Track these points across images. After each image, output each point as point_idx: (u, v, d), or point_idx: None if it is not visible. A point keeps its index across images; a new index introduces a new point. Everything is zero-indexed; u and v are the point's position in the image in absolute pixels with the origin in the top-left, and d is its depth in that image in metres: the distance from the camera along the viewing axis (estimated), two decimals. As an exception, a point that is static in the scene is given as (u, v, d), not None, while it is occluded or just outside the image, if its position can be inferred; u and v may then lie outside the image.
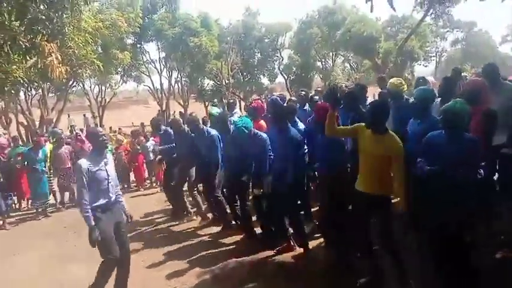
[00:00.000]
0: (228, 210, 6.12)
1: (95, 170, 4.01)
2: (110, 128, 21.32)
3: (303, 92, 7.23)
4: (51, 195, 9.18)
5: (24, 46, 8.20)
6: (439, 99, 4.64)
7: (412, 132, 4.26)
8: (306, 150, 5.21)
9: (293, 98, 7.32)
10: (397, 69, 23.09)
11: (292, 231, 5.05)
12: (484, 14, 72.78)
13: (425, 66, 36.22)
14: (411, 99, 4.90)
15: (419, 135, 3.88)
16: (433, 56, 37.43)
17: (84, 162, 4.01)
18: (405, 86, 5.40)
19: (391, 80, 5.37)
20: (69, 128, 23.11)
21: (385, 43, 24.91)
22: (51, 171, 9.19)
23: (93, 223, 3.93)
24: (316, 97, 6.82)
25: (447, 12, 25.22)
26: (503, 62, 31.55)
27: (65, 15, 8.65)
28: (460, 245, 3.42)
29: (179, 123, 6.95)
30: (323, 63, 32.82)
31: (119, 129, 17.94)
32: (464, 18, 36.14)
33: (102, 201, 4.06)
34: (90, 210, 3.95)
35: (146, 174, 11.19)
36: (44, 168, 8.70)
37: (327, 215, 4.75)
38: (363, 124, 3.79)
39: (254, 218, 5.78)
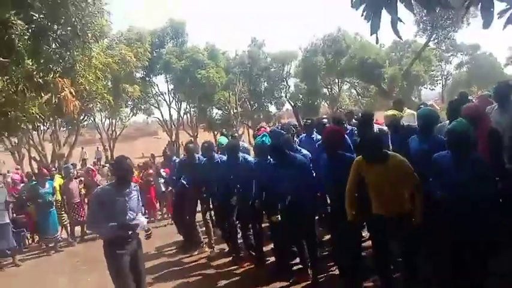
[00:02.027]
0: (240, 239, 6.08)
1: (113, 200, 3.86)
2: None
3: (309, 121, 7.26)
4: (63, 229, 9.19)
5: (38, 83, 8.45)
6: (448, 121, 4.67)
7: (414, 150, 4.27)
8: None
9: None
10: (403, 94, 23.19)
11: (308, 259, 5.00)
12: (487, 36, 73.20)
13: (432, 89, 36.31)
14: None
15: (422, 155, 3.93)
16: (439, 80, 37.56)
17: (99, 190, 4.00)
18: (399, 114, 5.47)
19: (386, 114, 5.42)
20: (81, 162, 23.33)
21: (390, 68, 25.13)
22: (63, 205, 9.22)
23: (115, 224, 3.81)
24: (325, 121, 6.88)
25: (450, 37, 25.46)
26: (509, 83, 31.39)
27: (76, 53, 8.94)
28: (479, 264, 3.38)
29: (211, 150, 6.48)
30: (329, 89, 33.09)
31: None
32: (468, 41, 36.29)
33: (119, 233, 3.88)
34: (105, 226, 3.82)
35: (158, 206, 11.22)
36: (51, 200, 8.61)
37: (340, 242, 4.70)
38: (357, 158, 3.87)
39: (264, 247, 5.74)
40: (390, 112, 5.38)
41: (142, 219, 4.25)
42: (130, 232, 3.94)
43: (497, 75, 31.90)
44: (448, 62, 37.64)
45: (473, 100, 6.99)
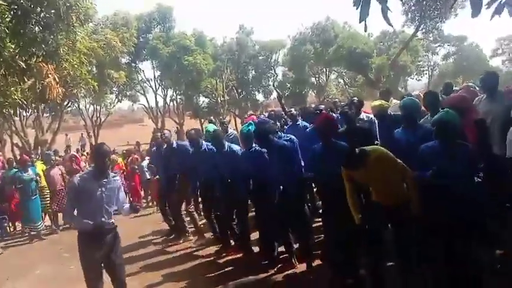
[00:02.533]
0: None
1: (90, 189, 3.72)
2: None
3: (294, 110, 7.36)
4: (47, 216, 9.07)
5: (20, 68, 8.22)
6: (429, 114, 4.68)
7: (400, 141, 4.26)
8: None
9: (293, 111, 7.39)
10: (390, 84, 23.32)
11: (296, 246, 5.00)
12: (474, 28, 73.90)
13: (418, 80, 36.57)
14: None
15: (408, 145, 3.93)
16: (426, 70, 37.86)
17: (77, 179, 3.82)
18: (386, 104, 5.49)
19: (373, 104, 5.43)
20: (65, 148, 23.01)
21: (378, 58, 25.22)
22: (46, 192, 9.09)
23: (90, 223, 3.70)
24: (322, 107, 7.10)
25: (437, 27, 25.63)
26: (494, 75, 31.83)
27: (59, 37, 8.71)
28: (466, 252, 3.42)
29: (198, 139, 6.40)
30: (317, 79, 33.12)
31: (113, 150, 17.87)
32: (455, 32, 36.66)
33: (92, 225, 3.72)
34: (81, 219, 3.74)
35: (143, 194, 11.13)
36: (34, 187, 8.49)
37: (332, 231, 4.67)
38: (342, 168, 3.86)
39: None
40: (377, 102, 5.39)
41: (125, 206, 4.14)
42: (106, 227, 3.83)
43: (482, 66, 32.27)
44: (435, 52, 37.91)
45: (458, 91, 7.07)
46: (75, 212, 3.83)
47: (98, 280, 3.79)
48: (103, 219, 3.79)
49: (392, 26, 3.13)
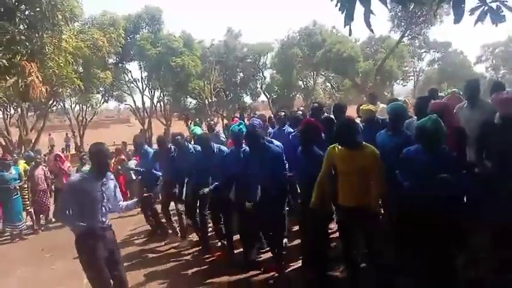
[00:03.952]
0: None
1: (90, 190, 3.67)
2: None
3: (283, 113, 7.28)
4: (28, 216, 8.94)
5: (3, 65, 8.10)
6: (416, 117, 4.76)
7: (383, 144, 4.33)
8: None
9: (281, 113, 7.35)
10: (376, 89, 23.61)
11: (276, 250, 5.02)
12: (458, 35, 75.28)
13: (404, 85, 37.11)
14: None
15: (393, 149, 3.99)
16: (411, 76, 38.43)
17: (76, 179, 3.76)
18: (375, 108, 5.55)
19: (363, 107, 5.48)
20: (49, 148, 22.71)
21: (364, 63, 25.52)
22: (28, 191, 8.96)
23: (83, 225, 3.65)
24: (300, 112, 6.99)
25: (423, 34, 26.06)
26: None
27: (45, 35, 8.62)
28: (444, 256, 3.48)
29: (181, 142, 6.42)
30: (304, 82, 33.31)
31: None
32: (440, 39, 37.28)
33: (91, 227, 3.67)
34: (74, 220, 3.68)
35: (128, 194, 11.01)
36: (17, 187, 8.36)
37: (308, 233, 4.74)
38: (330, 147, 3.91)
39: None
40: (367, 107, 5.42)
41: (122, 204, 4.10)
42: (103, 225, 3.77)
43: (467, 72, 32.91)
44: (420, 58, 38.56)
45: (444, 97, 7.18)
46: (71, 212, 3.76)
47: (109, 279, 3.70)
48: (103, 219, 3.75)
49: (373, 32, 3.19)
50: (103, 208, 3.75)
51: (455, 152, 3.69)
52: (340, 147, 3.84)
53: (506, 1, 2.97)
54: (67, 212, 3.79)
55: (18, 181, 8.48)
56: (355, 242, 3.98)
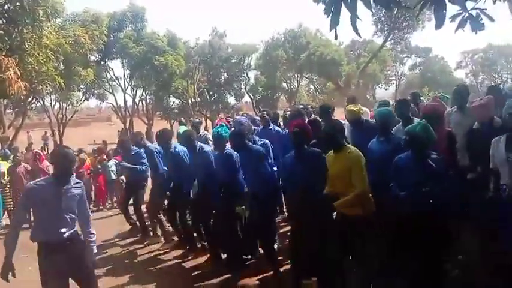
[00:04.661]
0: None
1: (48, 197, 3.29)
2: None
3: (265, 113, 7.29)
4: (6, 215, 8.73)
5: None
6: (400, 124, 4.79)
7: (376, 151, 4.29)
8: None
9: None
10: (359, 92, 23.90)
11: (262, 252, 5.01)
12: (440, 40, 76.80)
13: (386, 89, 37.73)
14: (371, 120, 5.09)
15: (384, 155, 3.97)
16: (393, 80, 39.06)
17: (33, 185, 3.38)
18: (363, 110, 5.57)
19: (348, 108, 5.43)
20: (27, 146, 22.22)
21: (347, 66, 25.80)
22: (9, 190, 8.80)
23: (10, 257, 3.38)
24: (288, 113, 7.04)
25: (405, 39, 26.51)
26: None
27: (25, 31, 8.44)
28: (434, 261, 3.52)
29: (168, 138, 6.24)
30: (288, 84, 33.47)
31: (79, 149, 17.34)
32: (422, 44, 38.11)
33: (50, 238, 3.33)
34: (15, 235, 3.39)
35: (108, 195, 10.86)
36: None
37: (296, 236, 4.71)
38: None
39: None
40: (352, 107, 5.39)
41: (92, 238, 3.62)
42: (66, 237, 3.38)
43: (447, 78, 33.60)
44: (402, 63, 39.22)
45: (425, 101, 7.28)
46: (21, 219, 3.56)
47: None
48: (63, 229, 3.36)
49: (359, 36, 3.21)
50: (63, 218, 3.36)
51: (446, 156, 3.72)
52: (331, 152, 3.89)
53: (486, 9, 3.02)
54: (23, 219, 3.58)
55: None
56: (346, 247, 3.98)
